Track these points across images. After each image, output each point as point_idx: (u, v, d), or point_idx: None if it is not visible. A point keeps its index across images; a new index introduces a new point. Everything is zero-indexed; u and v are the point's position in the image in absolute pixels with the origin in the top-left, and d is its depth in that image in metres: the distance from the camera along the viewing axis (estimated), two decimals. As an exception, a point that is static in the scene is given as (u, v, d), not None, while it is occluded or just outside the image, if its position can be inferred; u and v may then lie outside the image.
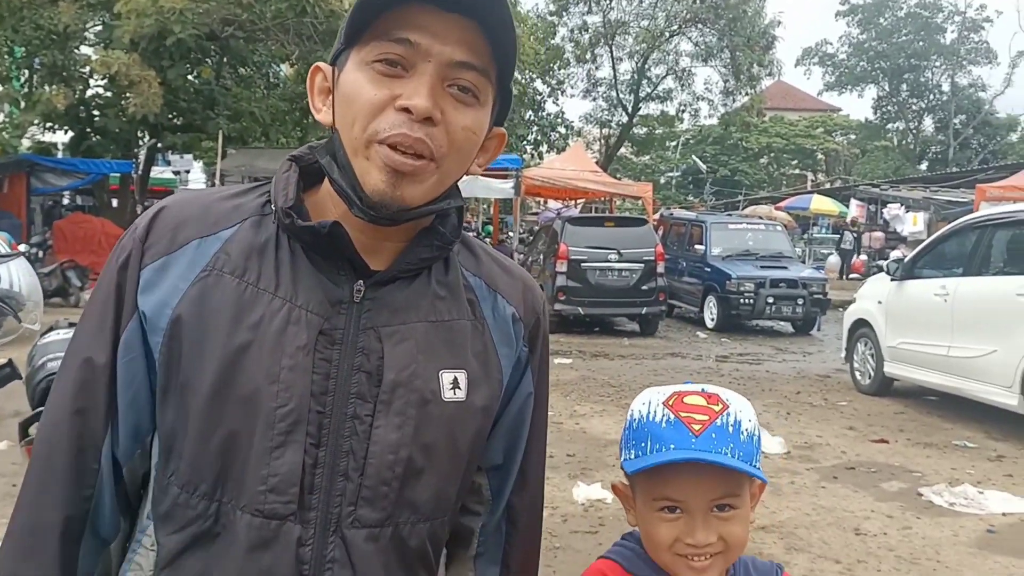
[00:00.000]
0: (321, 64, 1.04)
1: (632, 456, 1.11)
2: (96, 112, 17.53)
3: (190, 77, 17.79)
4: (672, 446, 1.07)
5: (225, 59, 18.93)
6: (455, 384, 1.01)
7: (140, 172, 19.39)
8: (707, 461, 1.05)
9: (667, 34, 30.23)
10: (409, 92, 0.92)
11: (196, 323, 0.96)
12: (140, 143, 19.40)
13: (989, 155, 40.08)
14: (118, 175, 18.66)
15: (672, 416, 1.09)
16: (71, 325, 2.95)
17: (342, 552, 0.95)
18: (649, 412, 1.12)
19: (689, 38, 30.78)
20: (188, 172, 27.65)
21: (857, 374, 9.22)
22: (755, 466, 1.09)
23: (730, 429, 1.08)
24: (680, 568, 1.11)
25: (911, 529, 4.82)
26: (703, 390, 1.13)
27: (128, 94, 15.11)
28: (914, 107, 45.29)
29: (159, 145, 19.33)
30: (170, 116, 17.95)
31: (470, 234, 1.18)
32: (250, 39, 17.92)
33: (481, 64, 0.96)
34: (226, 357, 0.94)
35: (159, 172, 25.01)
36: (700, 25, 29.66)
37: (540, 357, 1.13)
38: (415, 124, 0.92)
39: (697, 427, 1.07)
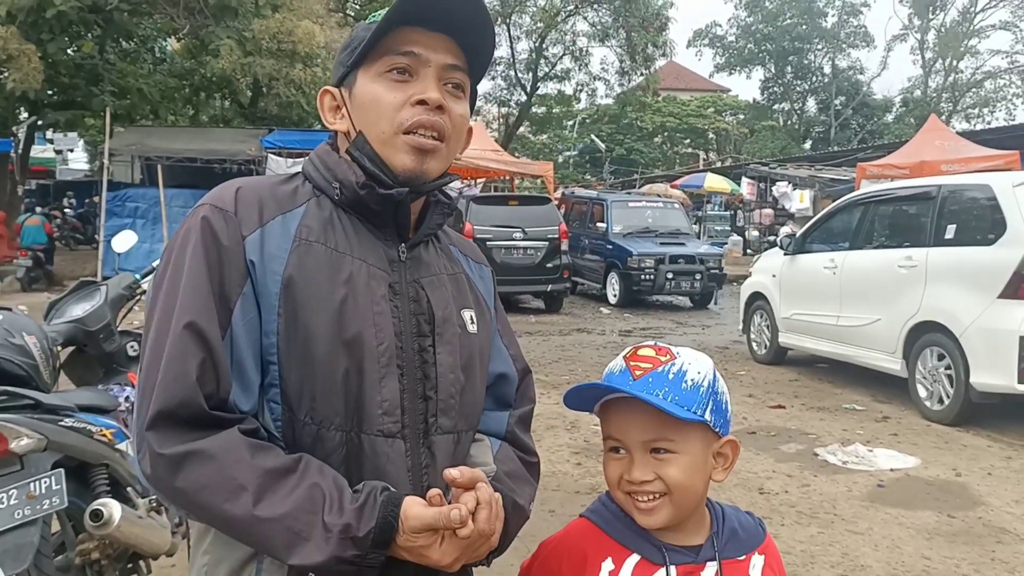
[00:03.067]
0: (329, 88, 1.30)
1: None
2: (-30, 88, 16.50)
3: (71, 51, 16.91)
4: (607, 387, 1.20)
5: (109, 33, 18.04)
6: (472, 320, 1.32)
7: (20, 151, 18.35)
8: (629, 394, 1.17)
9: (563, 14, 30.47)
10: (421, 89, 1.20)
11: (304, 283, 1.15)
12: (19, 120, 18.34)
13: (867, 135, 42.16)
14: (-6, 155, 17.63)
15: (624, 365, 1.22)
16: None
17: (429, 458, 1.20)
18: (613, 365, 1.25)
19: (585, 18, 31.11)
20: (71, 151, 26.25)
21: (754, 345, 9.66)
22: (696, 413, 1.19)
23: (670, 376, 1.19)
24: (631, 508, 1.22)
25: (809, 486, 5.14)
26: (656, 343, 1.26)
27: (5, 69, 14.25)
28: (798, 88, 47.16)
29: (39, 123, 18.32)
30: (51, 92, 17.07)
31: None
32: (135, 12, 17.16)
33: (463, 66, 1.25)
34: (333, 307, 1.15)
35: (40, 151, 23.73)
36: (596, 5, 30.00)
37: (495, 297, 1.47)
38: (430, 112, 1.20)
39: (639, 372, 1.20)
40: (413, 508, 1.07)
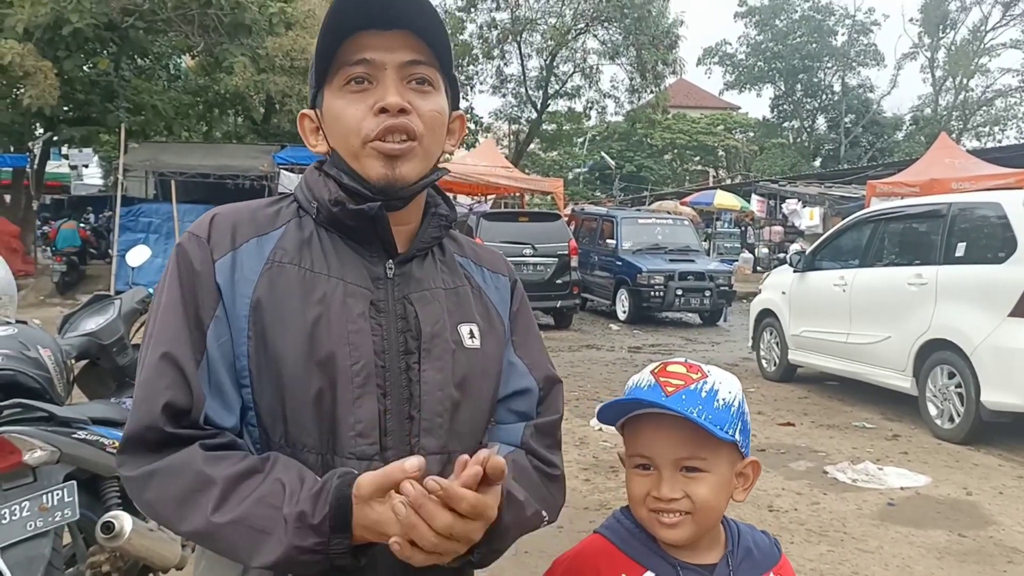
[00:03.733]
0: (306, 111, 1.28)
1: (611, 415, 1.24)
2: (-13, 104, 16.70)
3: (87, 68, 17.10)
4: (637, 402, 1.19)
5: (124, 50, 18.25)
6: (471, 334, 1.25)
7: (35, 167, 18.55)
8: (669, 409, 1.15)
9: (574, 32, 30.60)
10: (380, 96, 1.16)
11: (272, 306, 1.14)
12: (35, 136, 18.54)
13: (877, 152, 42.08)
14: (10, 169, 17.79)
15: (653, 380, 1.21)
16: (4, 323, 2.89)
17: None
18: (639, 379, 1.24)
19: (596, 36, 31.23)
20: (86, 167, 26.48)
21: (763, 362, 9.64)
22: (727, 432, 1.18)
23: (703, 394, 1.18)
24: (653, 525, 1.21)
25: (819, 504, 5.12)
26: (685, 360, 1.25)
27: (22, 86, 14.42)
28: (808, 106, 47.16)
29: (55, 139, 18.51)
30: (66, 108, 17.23)
31: None
32: (150, 29, 17.34)
33: (426, 58, 1.19)
34: (305, 328, 1.13)
35: (55, 167, 23.94)
36: (606, 23, 30.12)
37: (516, 308, 1.38)
38: (395, 116, 1.15)
39: (671, 389, 1.18)
40: (365, 477, 1.01)
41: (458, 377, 1.21)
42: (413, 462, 0.99)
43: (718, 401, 1.19)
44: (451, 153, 1.52)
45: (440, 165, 1.28)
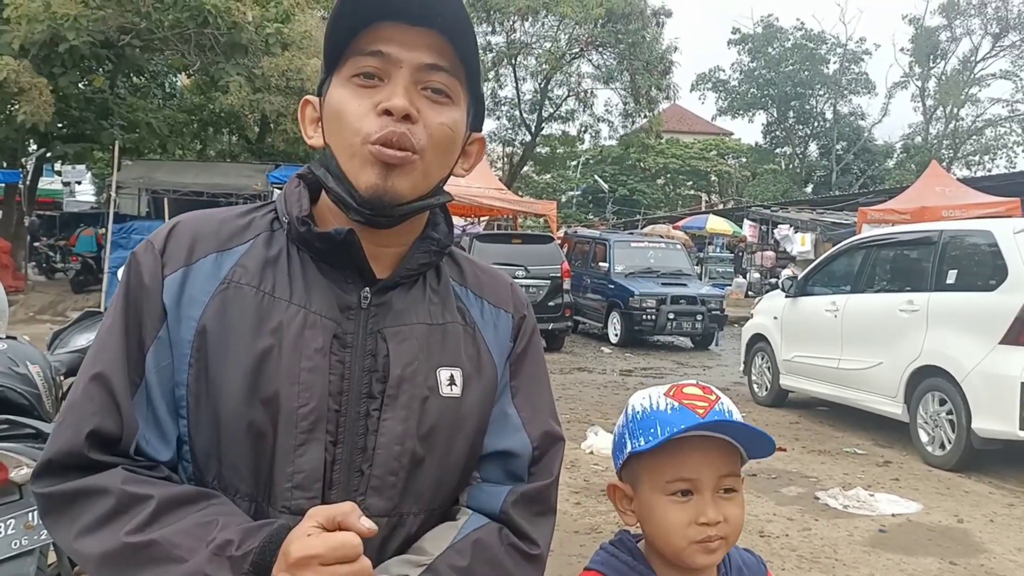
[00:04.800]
0: (309, 97, 1.13)
1: (642, 442, 1.18)
2: (-19, 120, 16.68)
3: (82, 85, 17.12)
4: (682, 425, 1.16)
5: (120, 68, 18.30)
6: (451, 381, 1.08)
7: (28, 182, 18.51)
8: (727, 422, 1.16)
9: (569, 56, 30.88)
10: (387, 96, 1.01)
11: (220, 332, 1.01)
12: (28, 152, 18.53)
13: (868, 180, 42.39)
14: (3, 185, 17.76)
15: (676, 403, 1.19)
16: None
17: None
18: (652, 404, 1.21)
19: (590, 61, 31.56)
20: (79, 183, 26.47)
21: (755, 386, 9.64)
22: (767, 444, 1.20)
23: (727, 414, 1.19)
24: (694, 555, 1.18)
25: (810, 530, 5.10)
26: (696, 382, 1.25)
27: (16, 102, 14.42)
28: (800, 133, 47.54)
29: (48, 155, 18.51)
30: (60, 125, 17.22)
31: None
32: (147, 48, 17.39)
33: (449, 66, 1.05)
34: (250, 361, 1.00)
35: (47, 183, 23.93)
36: (601, 48, 30.44)
37: (522, 349, 1.19)
38: (398, 121, 1.00)
39: (701, 411, 1.18)
40: (300, 532, 0.88)
41: (425, 429, 1.05)
42: (369, 524, 0.88)
43: (736, 419, 1.20)
44: (461, 176, 1.22)
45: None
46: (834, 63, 45.47)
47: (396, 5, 1.01)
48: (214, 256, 1.06)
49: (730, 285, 22.24)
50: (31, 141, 17.79)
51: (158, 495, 0.95)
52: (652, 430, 1.18)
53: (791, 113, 46.64)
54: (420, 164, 1.03)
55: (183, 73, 20.72)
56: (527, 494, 1.10)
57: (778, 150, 48.52)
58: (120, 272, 1.09)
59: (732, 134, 50.69)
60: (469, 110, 1.11)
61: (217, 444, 1.01)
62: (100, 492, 0.95)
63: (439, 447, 1.06)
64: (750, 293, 23.12)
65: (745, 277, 24.61)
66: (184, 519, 0.93)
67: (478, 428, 1.11)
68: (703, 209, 37.05)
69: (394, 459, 1.03)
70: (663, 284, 14.51)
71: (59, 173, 22.56)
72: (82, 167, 21.72)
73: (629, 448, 1.21)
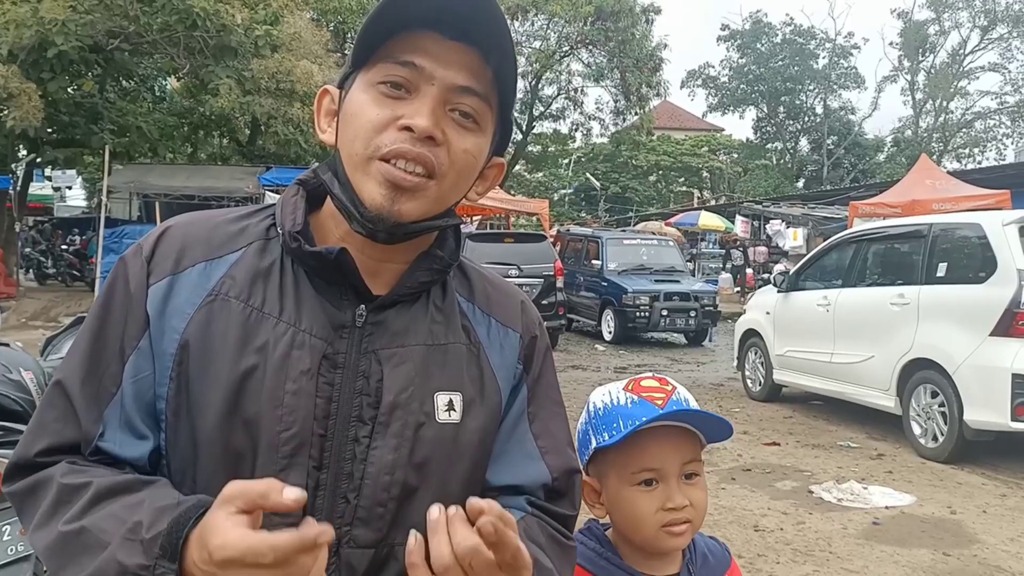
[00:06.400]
0: (329, 87, 1.06)
1: (606, 437, 1.24)
2: (-31, 126, 16.62)
3: (72, 90, 17.07)
4: (644, 418, 1.21)
5: (109, 72, 18.24)
6: (450, 406, 1.01)
7: (18, 188, 18.45)
8: (685, 411, 1.21)
9: (559, 55, 30.91)
10: (411, 112, 0.95)
11: (203, 348, 0.96)
12: (18, 158, 18.46)
13: (859, 174, 42.49)
14: (-8, 191, 17.73)
15: (635, 397, 1.25)
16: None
17: (339, 574, 0.95)
18: (612, 399, 1.27)
19: (580, 59, 31.61)
20: (69, 188, 26.38)
21: (748, 382, 9.67)
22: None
23: (684, 403, 1.25)
24: (662, 540, 1.23)
25: (805, 524, 5.13)
26: (652, 374, 1.30)
27: (5, 107, 14.37)
28: (791, 128, 47.66)
29: (38, 160, 18.44)
30: (50, 130, 17.15)
31: None
32: (136, 52, 17.34)
33: (483, 90, 0.98)
34: (232, 381, 0.95)
35: (38, 188, 23.83)
36: (591, 46, 30.49)
37: (538, 373, 1.12)
38: (416, 142, 0.94)
39: (659, 402, 1.23)
40: (218, 518, 0.79)
41: (419, 458, 0.98)
42: (295, 494, 0.78)
43: (692, 407, 1.26)
44: (473, 200, 1.16)
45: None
46: (823, 58, 45.63)
47: (439, 15, 0.95)
48: (203, 265, 1.00)
49: (728, 278, 22.30)
50: (21, 147, 17.73)
51: (96, 483, 0.90)
52: (615, 425, 1.23)
53: (781, 108, 46.76)
54: (435, 190, 0.97)
55: (173, 76, 20.65)
56: (550, 510, 1.06)
57: (769, 145, 48.64)
58: (109, 275, 1.04)
59: (723, 130, 50.69)
60: (495, 136, 1.04)
61: (193, 463, 0.96)
62: (43, 486, 0.93)
63: (434, 476, 0.99)
64: (744, 288, 23.20)
65: (735, 273, 24.68)
66: (115, 503, 0.89)
67: (479, 455, 1.04)
68: (695, 205, 37.10)
69: (383, 490, 0.96)
70: (656, 281, 14.54)
71: (49, 178, 22.46)
72: (72, 172, 21.61)
73: (594, 444, 1.26)
